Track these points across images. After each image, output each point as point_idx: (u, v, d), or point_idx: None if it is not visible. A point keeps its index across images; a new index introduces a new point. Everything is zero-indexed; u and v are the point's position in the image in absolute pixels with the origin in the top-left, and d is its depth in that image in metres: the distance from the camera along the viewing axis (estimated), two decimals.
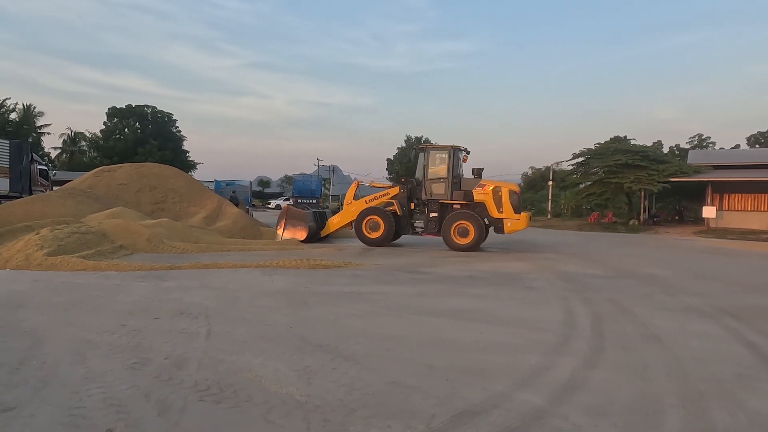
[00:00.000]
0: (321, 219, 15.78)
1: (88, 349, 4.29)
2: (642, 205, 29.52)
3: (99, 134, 52.12)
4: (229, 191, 28.10)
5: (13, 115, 45.43)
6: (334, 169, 66.32)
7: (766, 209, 25.99)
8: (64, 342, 4.48)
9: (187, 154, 54.22)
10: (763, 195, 25.99)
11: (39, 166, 23.51)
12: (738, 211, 26.71)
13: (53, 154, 54.30)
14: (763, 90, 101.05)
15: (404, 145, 56.31)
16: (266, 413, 3.13)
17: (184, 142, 54.48)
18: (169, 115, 53.21)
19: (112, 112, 51.41)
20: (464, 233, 13.52)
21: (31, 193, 20.86)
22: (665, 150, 51.29)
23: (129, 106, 51.60)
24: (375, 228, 14.29)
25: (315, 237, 14.92)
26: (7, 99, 44.45)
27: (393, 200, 14.50)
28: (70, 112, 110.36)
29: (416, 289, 7.74)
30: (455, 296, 7.23)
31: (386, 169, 61.67)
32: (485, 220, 13.82)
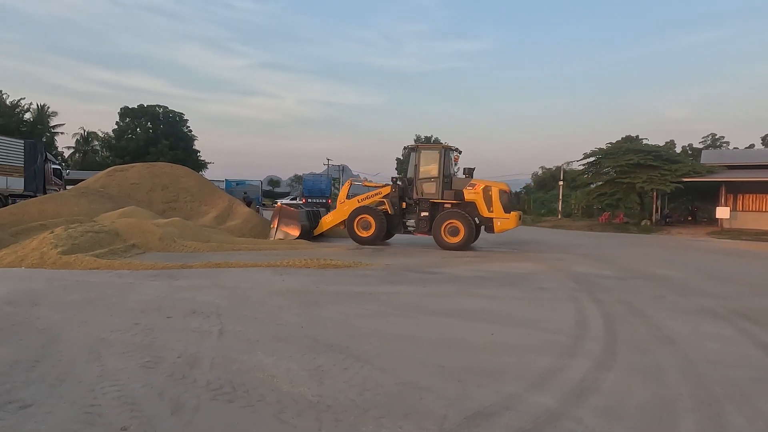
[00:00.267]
0: (314, 218, 15.87)
1: (102, 348, 4.34)
2: (654, 206, 29.21)
3: (111, 134, 52.69)
4: (239, 191, 28.28)
5: (27, 115, 46.11)
6: (343, 169, 66.44)
7: None
8: (78, 340, 4.54)
9: (198, 154, 54.62)
10: None
11: (53, 166, 23.86)
12: (752, 211, 26.33)
13: (66, 153, 54.97)
14: None
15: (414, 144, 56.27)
16: (279, 413, 3.15)
17: (195, 142, 54.92)
18: (181, 114, 53.65)
19: (125, 112, 51.93)
20: (454, 232, 13.62)
21: (45, 192, 21.17)
22: (678, 150, 50.77)
23: (141, 106, 52.09)
24: (366, 227, 14.39)
25: (308, 236, 15.02)
26: (21, 99, 45.17)
27: (384, 199, 14.63)
28: (83, 112, 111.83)
29: (427, 289, 7.73)
30: (466, 297, 7.20)
31: (395, 168, 61.63)
32: (476, 219, 13.93)
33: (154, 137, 50.04)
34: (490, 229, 13.99)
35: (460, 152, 14.95)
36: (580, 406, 3.37)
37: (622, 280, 9.17)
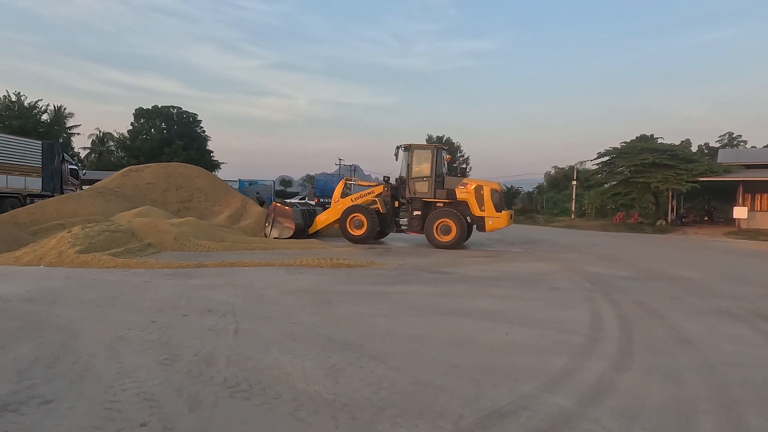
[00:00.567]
0: (309, 217, 16.01)
1: (121, 345, 4.40)
2: (669, 206, 28.84)
3: (126, 134, 53.32)
4: (252, 191, 28.46)
5: (44, 117, 46.84)
6: (355, 169, 66.54)
7: None
8: (97, 337, 4.61)
9: (211, 154, 55.08)
10: None
11: (69, 166, 24.19)
12: None
13: (82, 154, 55.76)
14: None
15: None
16: (295, 410, 3.17)
17: (208, 143, 55.38)
18: (194, 115, 54.14)
19: (139, 113, 52.53)
20: (446, 231, 13.76)
21: (62, 192, 21.48)
22: (693, 149, 50.02)
23: (155, 107, 52.66)
24: (359, 226, 14.51)
25: (302, 234, 15.14)
26: (39, 100, 45.88)
27: (377, 198, 14.76)
28: (99, 113, 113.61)
29: (440, 288, 7.72)
30: (479, 296, 7.18)
31: None
32: (467, 218, 14.06)
33: (168, 138, 50.55)
34: (481, 228, 14.20)
35: (451, 152, 15.21)
36: (597, 407, 3.34)
37: (637, 281, 9.08)
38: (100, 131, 57.68)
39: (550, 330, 5.35)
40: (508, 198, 48.23)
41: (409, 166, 14.49)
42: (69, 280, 7.46)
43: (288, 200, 24.99)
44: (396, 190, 14.84)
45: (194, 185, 18.07)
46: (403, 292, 7.31)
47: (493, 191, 14.06)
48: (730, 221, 27.97)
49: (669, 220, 28.30)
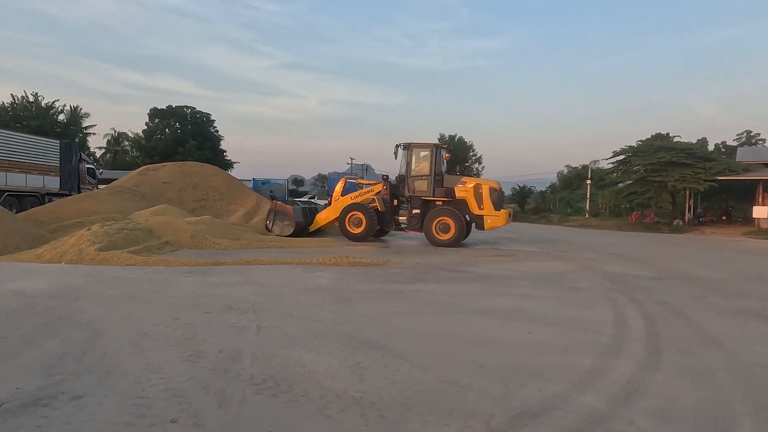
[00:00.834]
0: (310, 214, 16.08)
1: (145, 341, 4.41)
2: (687, 205, 28.42)
3: (141, 134, 53.86)
4: (266, 189, 28.56)
5: (61, 117, 47.45)
6: (367, 168, 66.53)
7: None
8: (121, 334, 4.63)
9: (225, 154, 55.41)
10: None
11: (87, 165, 24.52)
12: None
13: (98, 153, 56.45)
14: None
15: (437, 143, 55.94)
16: (323, 408, 3.15)
17: (221, 142, 55.72)
18: (207, 115, 54.48)
19: (154, 113, 53.00)
20: (445, 229, 13.80)
21: (79, 191, 21.78)
22: (710, 147, 49.23)
23: (169, 107, 53.08)
24: (357, 224, 14.53)
25: (303, 232, 15.18)
26: (56, 101, 46.46)
27: (375, 197, 14.80)
28: (114, 113, 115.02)
29: (458, 287, 7.67)
30: (499, 296, 7.12)
31: None
32: (466, 216, 14.07)
33: (182, 137, 50.94)
34: (480, 226, 14.23)
35: (450, 150, 15.23)
36: (630, 407, 3.28)
37: (658, 281, 8.94)
38: (115, 131, 58.42)
39: (574, 329, 5.27)
40: (520, 197, 47.98)
41: (408, 165, 14.56)
42: (90, 277, 7.53)
43: (296, 199, 25.02)
44: (395, 188, 14.93)
45: (210, 184, 18.19)
46: (421, 291, 7.26)
47: (492, 189, 14.09)
48: (749, 221, 27.51)
49: (686, 219, 27.89)
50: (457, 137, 56.49)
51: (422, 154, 14.52)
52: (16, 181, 18.73)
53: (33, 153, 19.83)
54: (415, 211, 14.41)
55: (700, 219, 29.08)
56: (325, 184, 53.33)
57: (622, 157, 30.40)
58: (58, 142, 22.12)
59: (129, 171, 34.67)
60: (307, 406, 3.17)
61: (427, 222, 13.97)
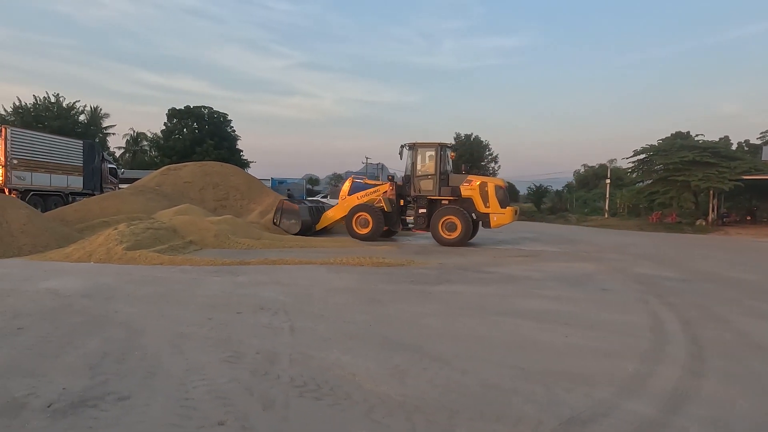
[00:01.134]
0: (317, 213, 16.14)
1: (183, 342, 4.43)
2: (710, 205, 27.87)
3: (159, 134, 54.48)
4: (283, 189, 28.68)
5: (82, 117, 48.19)
6: (382, 167, 66.50)
7: None
8: (159, 334, 4.66)
9: (241, 153, 55.83)
10: None
11: (109, 165, 24.87)
12: None
13: (117, 153, 57.22)
14: None
15: (453, 142, 55.67)
16: (368, 412, 3.12)
17: (238, 142, 56.11)
18: (224, 115, 54.89)
19: (172, 113, 53.54)
20: (452, 228, 13.80)
21: (102, 191, 22.10)
22: (733, 146, 48.24)
23: (187, 107, 53.58)
24: (364, 224, 14.60)
25: (309, 230, 15.28)
26: (77, 102, 47.19)
27: (381, 197, 14.79)
28: (132, 114, 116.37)
29: (486, 288, 7.59)
30: (528, 297, 7.02)
31: None
32: (473, 215, 14.02)
33: (200, 137, 51.38)
34: (486, 224, 14.21)
35: (456, 149, 15.20)
36: (682, 415, 3.19)
37: (689, 283, 8.75)
38: (134, 131, 59.14)
39: (611, 333, 5.18)
40: (536, 196, 47.52)
41: (413, 165, 14.60)
42: (120, 276, 7.61)
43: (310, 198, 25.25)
44: (402, 188, 14.96)
45: (230, 184, 18.33)
46: (449, 292, 7.20)
47: (498, 187, 14.08)
48: None
49: (710, 219, 27.36)
50: (473, 136, 56.21)
51: (427, 153, 14.56)
52: (41, 180, 19.07)
53: (57, 153, 20.17)
54: (421, 210, 14.46)
55: (724, 219, 28.50)
56: (338, 183, 53.43)
57: (642, 156, 29.92)
58: (81, 142, 22.47)
59: (148, 170, 35.12)
60: (352, 410, 3.14)
61: (434, 221, 14.00)
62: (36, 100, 44.38)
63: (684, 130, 44.58)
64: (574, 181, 62.91)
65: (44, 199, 19.04)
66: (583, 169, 66.23)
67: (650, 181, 29.95)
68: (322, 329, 4.97)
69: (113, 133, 53.64)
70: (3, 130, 17.73)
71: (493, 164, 57.20)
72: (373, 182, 16.64)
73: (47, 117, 43.52)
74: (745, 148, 47.43)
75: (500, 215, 13.91)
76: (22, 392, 3.26)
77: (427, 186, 14.39)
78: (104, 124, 51.47)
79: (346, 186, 16.27)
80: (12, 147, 17.56)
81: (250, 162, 56.47)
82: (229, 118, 55.05)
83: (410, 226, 14.94)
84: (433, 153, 14.42)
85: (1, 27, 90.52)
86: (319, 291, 6.95)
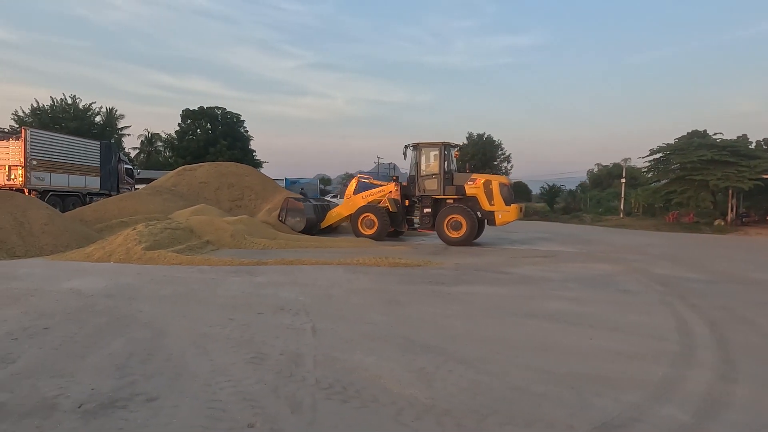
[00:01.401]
0: (322, 211, 16.18)
1: (207, 342, 4.44)
2: (729, 204, 27.39)
3: (173, 135, 54.98)
4: (297, 189, 28.77)
5: (98, 118, 48.83)
6: (394, 167, 66.44)
7: None
8: (182, 334, 4.67)
9: (254, 154, 56.13)
10: None
11: (125, 166, 25.14)
12: None
13: (132, 153, 57.88)
14: None
15: (466, 142, 55.37)
16: (397, 415, 3.09)
17: (251, 142, 56.42)
18: (237, 115, 55.22)
19: (186, 114, 53.99)
20: (457, 227, 13.82)
21: (118, 191, 22.35)
22: (751, 145, 47.39)
23: (201, 108, 54.00)
24: (370, 225, 14.65)
25: (314, 228, 15.31)
26: (93, 103, 47.83)
27: (387, 198, 14.82)
28: (147, 115, 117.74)
29: (505, 289, 7.52)
30: (549, 299, 6.94)
31: None
32: (478, 213, 14.01)
33: (213, 137, 51.74)
34: (491, 222, 14.23)
35: (460, 148, 15.35)
36: (717, 421, 3.12)
37: (713, 284, 8.60)
38: (148, 132, 59.81)
39: (637, 336, 5.09)
40: (549, 196, 47.11)
41: (417, 165, 14.61)
42: (141, 276, 7.67)
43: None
44: (407, 189, 14.97)
45: (245, 183, 18.43)
46: (468, 293, 7.15)
47: (502, 185, 14.10)
48: None
49: (728, 219, 26.89)
50: (485, 135, 55.88)
51: (431, 153, 14.58)
52: (60, 181, 19.33)
53: (75, 154, 20.43)
54: (426, 210, 14.50)
55: (743, 219, 27.98)
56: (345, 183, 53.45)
57: (659, 155, 29.49)
58: (99, 143, 22.74)
59: (162, 171, 35.43)
60: (380, 413, 3.12)
61: (439, 220, 14.01)
62: (53, 101, 45.05)
63: (700, 129, 43.94)
64: (587, 181, 62.28)
65: (62, 200, 19.30)
66: (596, 169, 65.55)
67: (666, 181, 29.51)
68: (344, 330, 4.96)
69: (128, 134, 54.32)
70: (23, 131, 18.01)
71: (505, 164, 56.83)
72: (378, 182, 16.70)
73: (64, 118, 44.13)
74: (764, 147, 46.56)
75: (505, 213, 13.93)
76: (52, 392, 3.28)
77: (431, 185, 14.42)
78: (119, 125, 52.15)
79: (352, 185, 16.38)
80: (31, 148, 17.83)
81: (263, 162, 56.74)
82: (242, 118, 55.35)
83: (416, 226, 14.97)
84: (437, 152, 14.44)
85: (20, 30, 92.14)
86: (339, 292, 6.94)
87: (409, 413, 3.12)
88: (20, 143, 17.72)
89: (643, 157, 31.06)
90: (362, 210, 14.87)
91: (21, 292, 6.43)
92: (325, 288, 7.13)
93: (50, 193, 18.64)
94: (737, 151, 25.89)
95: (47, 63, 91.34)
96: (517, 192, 44.87)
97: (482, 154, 51.52)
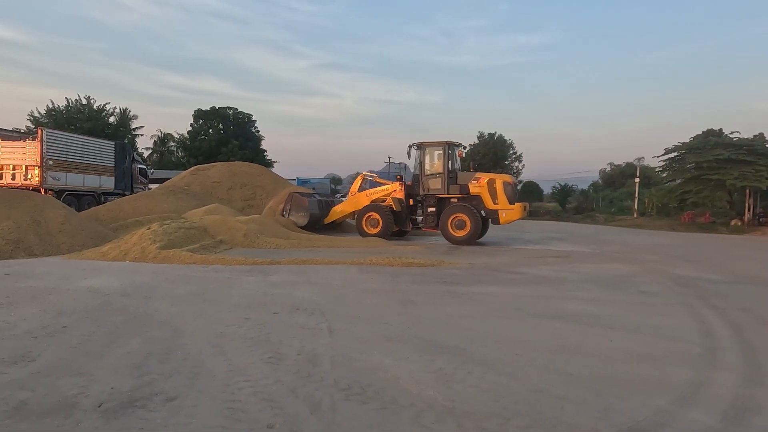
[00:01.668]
0: (326, 207, 16.21)
1: (223, 341, 4.44)
2: (746, 204, 26.94)
3: (186, 135, 55.41)
4: (308, 188, 28.80)
5: (111, 119, 49.35)
6: (405, 167, 66.32)
7: None
8: (199, 333, 4.67)
9: (265, 153, 56.40)
10: None
11: (139, 165, 25.38)
12: None
13: (145, 154, 58.42)
14: None
15: (477, 141, 55.10)
16: (417, 417, 3.05)
17: (262, 142, 56.69)
18: (249, 116, 55.54)
19: (198, 114, 54.41)
20: (461, 226, 13.81)
21: (132, 191, 22.54)
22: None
23: (213, 108, 54.39)
24: (374, 224, 14.68)
25: (318, 224, 15.39)
26: (107, 104, 48.34)
27: (391, 197, 14.80)
28: (159, 115, 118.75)
29: (520, 290, 7.45)
30: (566, 299, 6.85)
31: None
32: (482, 212, 13.98)
33: (225, 137, 52.08)
34: (495, 220, 14.21)
35: (465, 147, 15.43)
36: (746, 426, 3.04)
37: (733, 285, 8.44)
38: (161, 132, 60.33)
39: (658, 337, 4.99)
40: (561, 196, 46.74)
41: (421, 164, 14.59)
42: (156, 275, 7.71)
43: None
44: (411, 188, 14.94)
45: (257, 183, 18.50)
46: (483, 293, 7.08)
47: (506, 184, 14.05)
48: None
49: (745, 219, 26.45)
50: (496, 135, 55.55)
51: (435, 152, 14.56)
52: (75, 181, 19.56)
53: (90, 154, 20.67)
54: (430, 209, 14.49)
55: (760, 219, 27.50)
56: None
57: (674, 154, 29.10)
58: (113, 143, 22.99)
59: (175, 171, 35.70)
60: (400, 415, 3.08)
61: (443, 219, 14.01)
62: (68, 102, 45.63)
63: (715, 128, 43.31)
64: (600, 180, 61.68)
65: (78, 199, 19.53)
66: (609, 168, 64.94)
67: (682, 180, 29.11)
68: (360, 331, 4.93)
69: (141, 134, 54.76)
70: (39, 132, 18.25)
71: (517, 163, 56.44)
72: (383, 181, 16.71)
73: (79, 119, 44.66)
74: None
75: (509, 211, 13.90)
76: (72, 391, 3.29)
77: (435, 185, 14.44)
78: (133, 126, 52.58)
79: (357, 182, 16.50)
80: (48, 148, 18.06)
81: (274, 162, 56.98)
82: (253, 118, 55.65)
83: (420, 225, 14.95)
84: (440, 152, 14.45)
85: (36, 33, 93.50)
86: (353, 291, 6.92)
87: (429, 415, 3.07)
88: (36, 143, 17.96)
89: (657, 157, 30.72)
90: (366, 209, 14.89)
91: (39, 290, 6.49)
92: (339, 288, 7.11)
93: (66, 192, 18.86)
94: (754, 150, 25.44)
95: (62, 64, 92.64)
96: (529, 191, 44.80)
97: (493, 153, 51.18)
